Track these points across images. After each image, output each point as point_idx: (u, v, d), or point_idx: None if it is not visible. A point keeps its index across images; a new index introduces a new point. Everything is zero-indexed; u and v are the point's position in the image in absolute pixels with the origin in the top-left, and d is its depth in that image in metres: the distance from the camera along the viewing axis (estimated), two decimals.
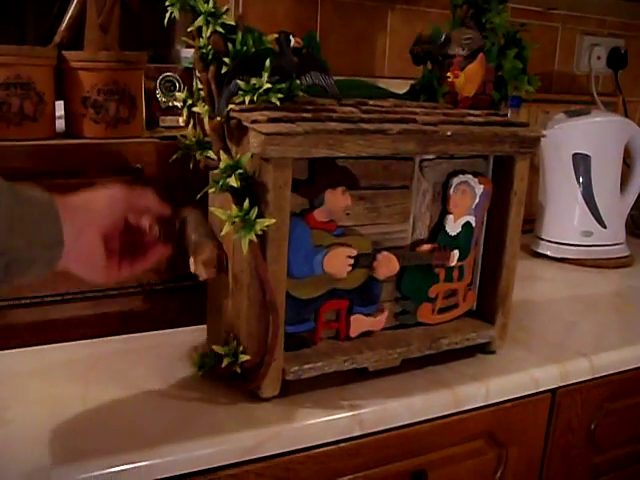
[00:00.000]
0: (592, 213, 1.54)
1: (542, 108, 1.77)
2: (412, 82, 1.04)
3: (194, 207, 0.87)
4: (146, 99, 1.20)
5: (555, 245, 1.56)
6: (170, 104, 1.27)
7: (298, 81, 0.82)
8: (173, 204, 0.85)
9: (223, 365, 0.83)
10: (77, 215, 0.73)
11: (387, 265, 0.88)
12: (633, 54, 1.97)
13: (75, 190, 0.76)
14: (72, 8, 1.19)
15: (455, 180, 0.92)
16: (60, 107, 1.13)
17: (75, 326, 1.01)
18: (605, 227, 1.55)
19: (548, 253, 1.57)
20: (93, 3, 1.15)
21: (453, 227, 0.93)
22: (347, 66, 1.51)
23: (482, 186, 0.94)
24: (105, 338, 0.98)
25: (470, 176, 0.93)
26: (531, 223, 1.62)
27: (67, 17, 1.19)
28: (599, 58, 1.92)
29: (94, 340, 0.97)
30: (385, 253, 0.88)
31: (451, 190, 0.92)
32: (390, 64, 1.57)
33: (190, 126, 0.87)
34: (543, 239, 1.58)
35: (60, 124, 1.13)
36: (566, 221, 1.56)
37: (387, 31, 1.56)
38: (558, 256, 1.56)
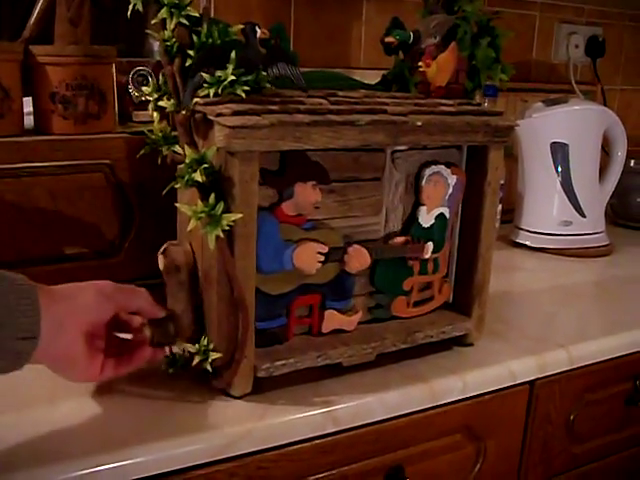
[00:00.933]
0: (571, 202, 1.53)
1: (520, 97, 1.76)
2: (384, 73, 1.02)
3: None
4: (119, 94, 1.18)
5: (534, 235, 1.55)
6: (143, 98, 1.25)
7: (265, 73, 0.80)
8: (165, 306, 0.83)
9: (193, 363, 0.81)
10: (60, 306, 0.70)
11: (358, 258, 0.87)
12: (611, 42, 1.97)
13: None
14: (41, 1, 1.16)
15: (427, 171, 0.90)
16: (29, 103, 1.11)
17: None
18: (584, 216, 1.55)
19: (527, 243, 1.56)
20: None
21: (426, 219, 0.92)
22: (322, 57, 1.49)
23: (455, 176, 0.92)
24: None
25: (442, 167, 0.91)
26: (510, 213, 1.62)
27: (36, 11, 1.17)
28: (577, 47, 1.91)
29: None
30: (356, 246, 0.86)
31: (423, 181, 0.90)
32: (366, 54, 1.56)
33: (156, 120, 0.85)
34: (522, 229, 1.57)
35: (30, 120, 1.11)
36: (545, 211, 1.55)
37: (362, 21, 1.55)
38: (537, 246, 1.55)
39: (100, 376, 0.77)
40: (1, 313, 0.63)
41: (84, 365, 0.74)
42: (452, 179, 0.92)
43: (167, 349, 0.84)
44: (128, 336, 0.81)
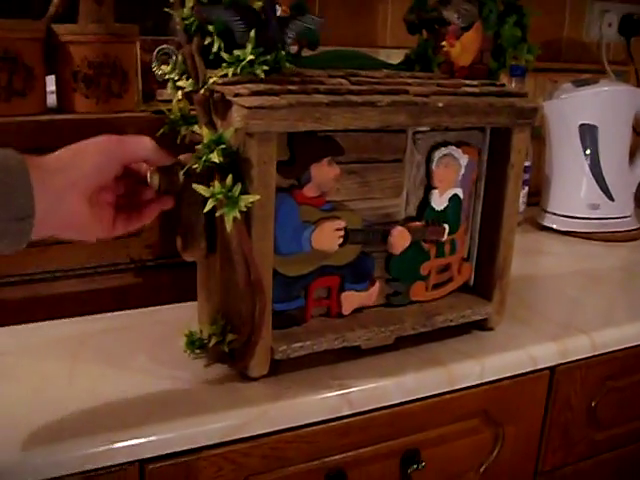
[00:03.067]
0: (599, 185, 1.51)
1: (550, 77, 1.73)
2: (406, 52, 1.00)
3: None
4: (143, 72, 1.18)
5: (561, 218, 1.53)
6: (165, 77, 1.25)
7: (284, 52, 0.79)
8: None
9: (211, 344, 0.81)
10: (56, 178, 0.67)
11: (402, 239, 0.87)
12: None
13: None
14: None
15: (437, 153, 0.88)
16: (52, 82, 1.11)
17: (65, 303, 1.01)
18: (613, 200, 1.52)
19: (554, 226, 1.54)
20: None
21: (439, 202, 0.90)
22: (347, 36, 1.48)
23: (467, 156, 0.91)
24: (95, 315, 0.97)
25: (453, 147, 0.89)
26: (537, 195, 1.59)
27: None
28: (610, 25, 1.87)
29: (84, 317, 0.96)
30: (400, 228, 0.87)
31: (433, 164, 0.89)
32: (391, 33, 1.54)
33: (175, 100, 0.85)
34: (549, 212, 1.55)
35: (52, 99, 1.11)
36: (573, 193, 1.53)
37: None
38: (564, 229, 1.53)
39: (113, 231, 0.76)
40: None
41: (94, 226, 0.73)
42: (464, 159, 0.91)
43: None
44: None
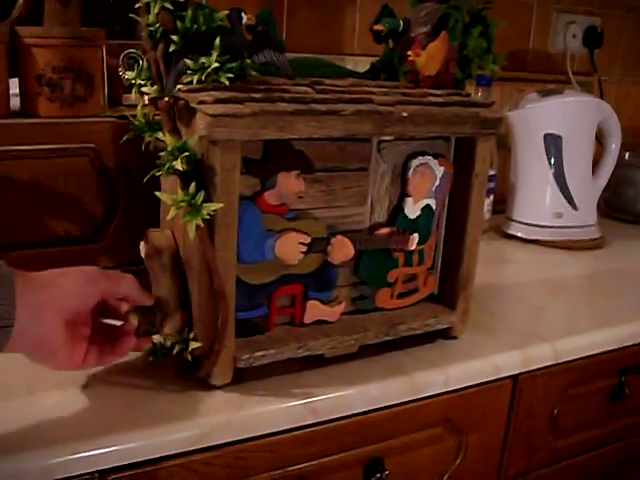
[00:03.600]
0: (563, 194, 1.53)
1: (516, 87, 1.75)
2: (372, 61, 1.01)
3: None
4: (109, 76, 1.17)
5: (526, 226, 1.55)
6: (126, 78, 1.24)
7: (250, 60, 0.79)
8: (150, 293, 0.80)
9: (174, 352, 0.81)
10: (39, 294, 0.67)
11: (342, 249, 0.86)
12: (609, 33, 1.95)
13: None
14: None
15: (414, 162, 0.89)
16: (15, 84, 1.10)
17: None
18: (576, 208, 1.54)
19: (519, 234, 1.55)
20: None
21: (412, 210, 0.91)
22: (315, 43, 1.48)
23: (443, 168, 0.91)
24: None
25: (430, 157, 0.90)
26: (503, 204, 1.61)
27: None
28: (575, 37, 1.89)
29: None
30: (339, 237, 0.86)
31: (410, 172, 0.89)
32: (359, 41, 1.54)
33: (140, 106, 0.84)
34: (514, 220, 1.56)
35: (15, 102, 1.09)
36: (537, 202, 1.55)
37: (356, 7, 1.53)
38: (529, 237, 1.54)
39: (82, 365, 0.75)
40: None
41: (65, 353, 0.71)
42: (439, 171, 0.91)
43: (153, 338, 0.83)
44: (116, 323, 0.79)
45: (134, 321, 0.77)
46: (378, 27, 0.96)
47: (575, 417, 1.12)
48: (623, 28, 2.02)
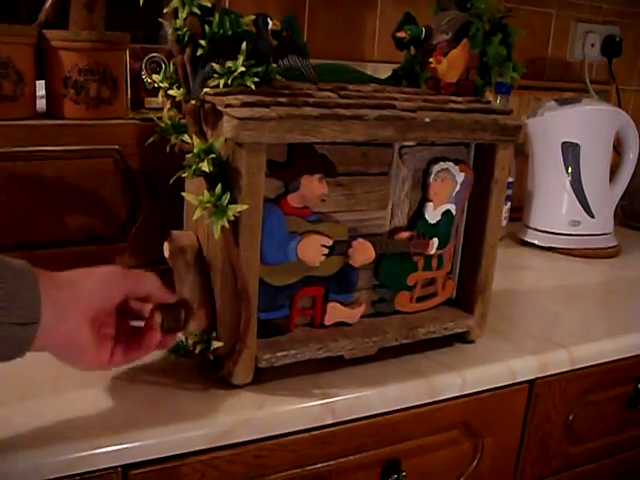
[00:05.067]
0: (580, 202, 1.53)
1: (534, 95, 1.76)
2: (394, 68, 1.02)
3: None
4: (132, 80, 1.19)
5: (543, 234, 1.55)
6: (155, 85, 1.26)
7: (275, 65, 0.80)
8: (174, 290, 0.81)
9: (196, 351, 0.82)
10: (64, 293, 0.68)
11: (363, 252, 0.87)
12: (628, 42, 1.95)
13: None
14: None
15: (435, 167, 0.90)
16: (42, 86, 1.12)
17: None
18: (593, 217, 1.55)
19: (536, 242, 1.56)
20: None
21: (433, 215, 0.92)
22: (336, 49, 1.49)
23: (463, 174, 0.93)
24: None
25: (451, 164, 0.91)
26: (520, 211, 1.61)
27: None
28: (593, 45, 1.90)
29: None
30: (361, 240, 0.87)
31: (431, 178, 0.91)
32: (379, 48, 1.56)
33: (166, 109, 0.86)
34: (531, 227, 1.57)
35: (42, 104, 1.11)
36: (554, 210, 1.55)
37: (377, 14, 1.54)
38: (546, 245, 1.55)
39: (109, 364, 0.74)
40: (1, 298, 0.62)
41: (91, 353, 0.71)
42: (460, 176, 0.92)
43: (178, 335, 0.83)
44: (139, 323, 0.79)
45: (158, 319, 0.77)
46: (400, 34, 0.97)
47: (591, 423, 1.13)
48: None
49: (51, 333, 0.66)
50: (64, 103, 1.07)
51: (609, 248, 1.57)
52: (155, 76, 0.87)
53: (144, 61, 1.28)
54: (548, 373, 1.01)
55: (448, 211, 0.94)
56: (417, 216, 0.93)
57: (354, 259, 0.87)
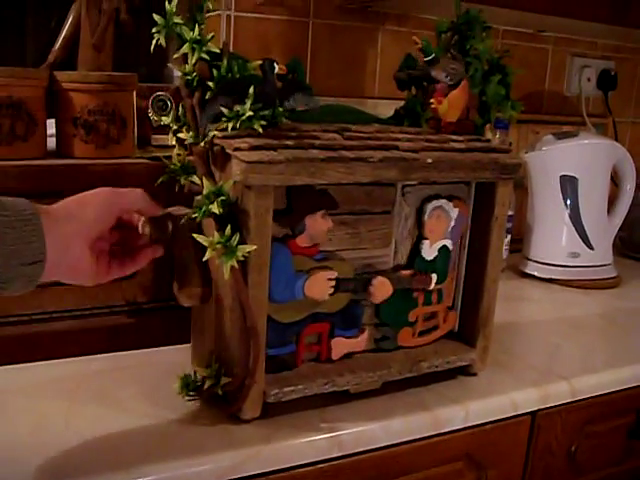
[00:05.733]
0: (579, 234, 1.56)
1: (532, 129, 1.79)
2: (396, 107, 1.05)
3: (186, 211, 0.85)
4: (138, 118, 1.22)
5: (542, 266, 1.58)
6: (162, 123, 1.29)
7: (281, 108, 0.83)
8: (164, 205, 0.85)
9: (205, 387, 0.84)
10: (64, 226, 0.73)
11: (383, 289, 0.90)
12: (623, 76, 1.99)
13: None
14: (66, 28, 1.21)
15: (429, 206, 0.93)
16: (52, 125, 1.14)
17: (62, 344, 1.02)
18: (592, 248, 1.57)
19: (535, 273, 1.58)
20: (87, 23, 1.17)
21: (429, 252, 0.94)
22: (338, 87, 1.53)
23: (457, 209, 0.95)
24: (91, 356, 0.99)
25: (444, 200, 0.94)
26: (520, 243, 1.64)
27: (61, 37, 1.21)
28: (589, 80, 1.94)
29: (80, 358, 0.99)
30: (380, 278, 0.90)
31: (425, 216, 0.93)
32: (380, 85, 1.59)
33: (175, 150, 0.89)
34: (531, 259, 1.59)
35: (52, 142, 1.14)
36: (553, 242, 1.58)
37: (377, 52, 1.58)
38: (545, 277, 1.57)
39: (108, 276, 0.81)
40: (9, 242, 0.66)
41: (93, 271, 0.78)
42: (454, 212, 0.95)
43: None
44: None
45: (147, 231, 0.82)
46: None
47: (593, 454, 1.14)
48: (636, 71, 2.06)
49: (57, 265, 0.72)
50: (74, 143, 1.10)
51: (609, 279, 1.59)
52: (164, 117, 0.90)
53: (150, 99, 1.31)
54: (549, 405, 1.03)
55: (444, 247, 0.96)
56: (414, 254, 0.95)
57: (376, 296, 0.90)
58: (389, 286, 0.91)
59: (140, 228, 0.82)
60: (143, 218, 0.82)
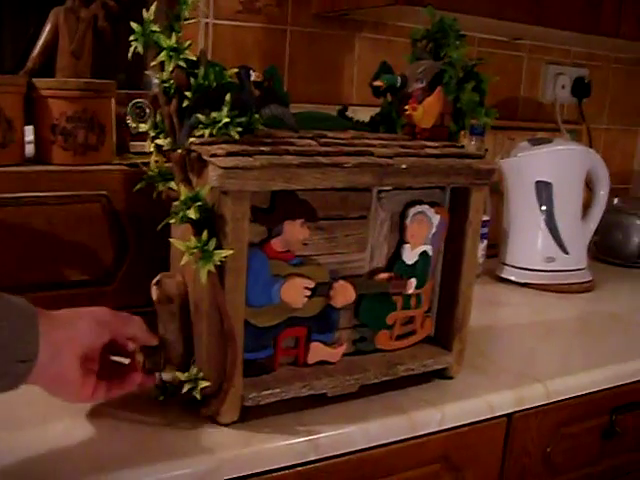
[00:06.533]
0: (554, 239, 1.58)
1: (508, 135, 1.81)
2: (372, 114, 1.06)
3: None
4: (117, 125, 1.22)
5: (519, 270, 1.60)
6: (140, 130, 1.29)
7: (257, 115, 0.84)
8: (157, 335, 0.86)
9: (183, 391, 0.84)
10: (59, 332, 0.74)
11: (344, 293, 0.90)
12: (597, 83, 2.02)
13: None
14: (44, 35, 1.20)
15: (412, 210, 0.94)
16: (30, 132, 1.15)
17: None
18: (567, 253, 1.59)
19: (512, 278, 1.60)
20: (65, 30, 1.17)
21: (410, 256, 0.96)
22: (316, 93, 1.54)
23: (439, 216, 0.96)
24: None
25: (427, 206, 0.95)
26: (496, 248, 1.66)
27: (39, 44, 1.21)
28: (564, 87, 1.97)
29: None
30: (342, 282, 0.90)
31: (408, 220, 0.94)
32: (358, 91, 1.61)
33: (153, 157, 0.89)
34: (507, 264, 1.61)
35: (30, 149, 1.14)
36: (529, 247, 1.60)
37: (354, 59, 1.60)
38: (522, 281, 1.59)
39: (92, 398, 0.80)
40: (4, 336, 0.66)
41: (77, 387, 0.77)
42: (436, 218, 0.96)
43: (157, 376, 0.87)
44: (125, 360, 0.85)
45: (140, 359, 0.83)
46: (377, 83, 1.01)
47: (568, 455, 1.15)
48: (609, 79, 2.10)
49: (44, 370, 0.71)
50: (52, 149, 1.10)
51: (584, 283, 1.61)
52: (142, 125, 0.90)
53: (129, 106, 1.32)
54: (525, 407, 1.04)
55: (425, 252, 0.97)
56: (395, 257, 0.96)
57: (335, 300, 0.90)
58: (351, 291, 0.91)
59: (132, 356, 0.83)
60: (137, 346, 0.84)
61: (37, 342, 0.69)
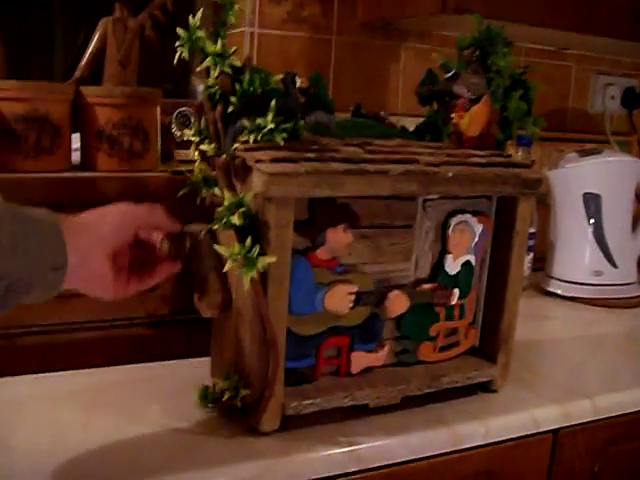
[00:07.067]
0: (603, 252, 1.54)
1: (556, 146, 1.78)
2: (417, 124, 1.05)
3: (204, 227, 0.86)
4: (162, 133, 1.23)
5: (565, 284, 1.56)
6: (185, 138, 1.30)
7: (302, 121, 0.84)
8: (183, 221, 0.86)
9: (224, 399, 0.84)
10: (83, 237, 0.74)
11: (398, 303, 0.90)
12: None
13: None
14: (93, 44, 1.22)
15: (454, 220, 0.93)
16: (77, 139, 1.16)
17: (82, 355, 1.04)
18: (616, 267, 1.56)
19: (558, 292, 1.57)
20: (113, 39, 1.19)
21: (452, 266, 0.94)
22: (360, 102, 1.52)
23: (481, 225, 0.95)
24: (111, 367, 1.00)
25: (469, 215, 0.94)
26: (542, 261, 1.63)
27: (87, 53, 1.23)
28: (613, 97, 1.93)
29: (101, 369, 0.99)
30: (396, 292, 0.89)
31: (450, 230, 0.93)
32: (403, 101, 1.60)
33: (197, 163, 0.89)
34: (554, 277, 1.58)
35: (76, 156, 1.16)
36: (577, 260, 1.56)
37: (400, 69, 1.59)
38: (568, 295, 1.56)
39: (127, 291, 0.82)
40: (34, 250, 0.67)
41: (111, 284, 0.79)
42: (478, 227, 0.95)
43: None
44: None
45: (165, 247, 0.82)
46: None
47: (617, 475, 1.12)
48: None
49: (76, 274, 0.73)
50: (98, 156, 1.11)
51: (632, 298, 1.57)
52: (187, 131, 0.90)
53: (174, 115, 1.33)
54: (572, 423, 1.02)
55: (468, 262, 0.96)
56: (437, 267, 0.95)
57: (390, 310, 0.89)
58: (405, 301, 0.91)
59: (159, 244, 0.82)
60: (162, 234, 0.83)
61: (64, 249, 0.70)
